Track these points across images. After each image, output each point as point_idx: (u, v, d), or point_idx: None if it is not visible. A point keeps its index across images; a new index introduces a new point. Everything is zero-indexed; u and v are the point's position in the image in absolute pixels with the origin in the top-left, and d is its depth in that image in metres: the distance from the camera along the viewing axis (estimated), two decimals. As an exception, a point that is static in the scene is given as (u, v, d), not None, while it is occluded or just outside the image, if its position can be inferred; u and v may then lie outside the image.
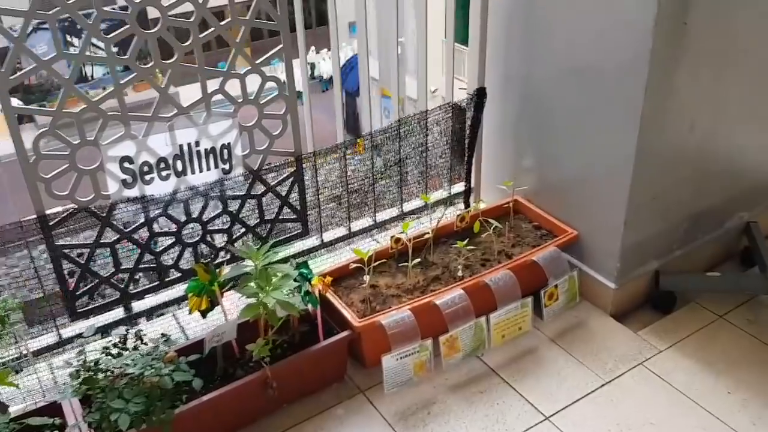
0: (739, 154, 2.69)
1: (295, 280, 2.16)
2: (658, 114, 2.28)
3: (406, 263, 2.53)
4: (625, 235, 2.47)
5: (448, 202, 2.92)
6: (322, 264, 2.67)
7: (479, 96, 2.74)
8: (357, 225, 2.76)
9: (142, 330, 2.09)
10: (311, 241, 2.67)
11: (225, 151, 2.26)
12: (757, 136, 2.71)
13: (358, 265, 2.39)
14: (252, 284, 2.09)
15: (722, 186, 2.73)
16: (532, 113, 2.69)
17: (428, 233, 2.59)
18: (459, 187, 2.94)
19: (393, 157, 2.67)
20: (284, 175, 2.44)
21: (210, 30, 2.10)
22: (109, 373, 1.88)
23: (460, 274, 2.49)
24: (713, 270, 2.84)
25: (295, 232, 2.57)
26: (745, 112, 2.58)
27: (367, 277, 2.37)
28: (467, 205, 2.93)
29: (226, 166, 2.28)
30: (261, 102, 2.27)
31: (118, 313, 2.36)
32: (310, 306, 2.19)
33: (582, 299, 2.66)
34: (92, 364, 1.88)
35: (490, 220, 2.58)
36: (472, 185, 2.91)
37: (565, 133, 2.58)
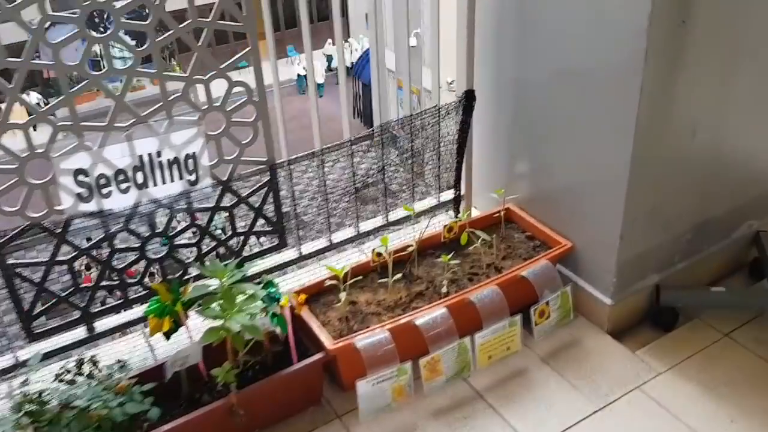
0: (749, 159, 2.52)
1: (262, 301, 2.01)
2: (656, 120, 2.11)
3: (388, 278, 2.38)
4: (621, 248, 2.31)
5: (435, 210, 2.75)
6: (303, 277, 2.53)
7: (468, 99, 2.57)
8: (339, 236, 2.60)
9: (96, 355, 1.95)
10: (290, 254, 2.52)
11: (190, 161, 2.12)
12: None
13: (334, 282, 2.24)
14: (214, 306, 1.95)
15: (730, 193, 2.55)
16: (525, 117, 2.53)
17: (412, 245, 2.43)
18: (449, 194, 2.77)
19: (376, 164, 2.52)
20: (257, 185, 2.29)
21: (169, 33, 1.95)
22: (55, 405, 1.75)
23: (444, 290, 2.34)
24: (719, 283, 2.68)
25: (272, 245, 2.42)
26: (756, 113, 2.40)
27: (343, 295, 2.22)
28: (457, 214, 2.77)
29: (192, 177, 2.14)
30: (228, 109, 2.12)
31: (81, 332, 2.23)
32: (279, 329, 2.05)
33: (578, 315, 2.51)
34: (36, 395, 1.75)
35: (477, 232, 2.43)
36: (463, 193, 2.74)
37: (559, 139, 2.42)
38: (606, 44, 2.10)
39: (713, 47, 2.11)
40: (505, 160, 2.70)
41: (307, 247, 2.55)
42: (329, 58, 19.34)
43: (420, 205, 2.72)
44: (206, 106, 2.10)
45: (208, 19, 2.00)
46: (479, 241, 2.42)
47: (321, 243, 2.57)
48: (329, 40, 19.31)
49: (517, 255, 2.53)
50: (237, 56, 2.09)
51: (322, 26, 17.45)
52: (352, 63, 16.68)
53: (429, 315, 2.18)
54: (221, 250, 2.34)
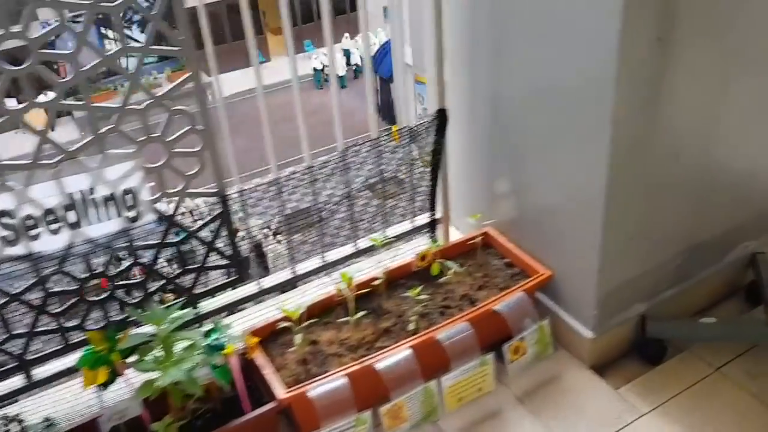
0: (742, 178, 2.33)
1: (203, 350, 1.85)
2: (633, 142, 1.94)
3: (356, 312, 2.21)
4: (600, 278, 2.13)
5: (410, 236, 2.59)
6: (271, 310, 2.37)
7: (440, 118, 2.40)
8: (305, 266, 2.44)
9: (22, 413, 1.80)
10: (251, 288, 2.36)
11: (129, 196, 1.96)
12: (765, 156, 2.34)
13: (288, 324, 2.08)
14: (150, 357, 1.79)
15: (722, 215, 2.37)
16: (502, 137, 2.36)
17: (379, 278, 2.27)
18: (425, 218, 2.60)
19: (341, 189, 2.35)
20: (209, 218, 2.14)
21: (95, 62, 1.79)
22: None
23: (412, 327, 2.17)
24: (713, 309, 2.50)
25: (229, 280, 2.27)
26: (748, 130, 2.21)
27: (298, 338, 2.06)
28: (434, 239, 2.59)
29: (132, 214, 1.98)
30: (168, 139, 1.96)
31: (19, 381, 2.08)
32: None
33: (559, 347, 2.34)
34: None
35: (447, 263, 2.26)
36: (438, 217, 2.57)
37: (535, 161, 2.25)
38: (577, 63, 1.92)
39: (696, 64, 1.93)
40: (484, 182, 2.53)
41: (270, 280, 2.39)
42: (346, 53, 19.20)
43: (394, 231, 2.55)
44: (143, 138, 1.93)
45: (140, 44, 1.83)
46: (450, 272, 2.25)
47: (285, 275, 2.41)
48: (346, 35, 19.14)
49: (494, 284, 2.36)
50: (174, 84, 1.93)
51: (339, 20, 17.32)
52: (372, 57, 16.58)
53: (391, 358, 2.01)
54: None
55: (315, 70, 18.47)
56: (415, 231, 2.58)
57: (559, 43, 1.96)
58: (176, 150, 1.99)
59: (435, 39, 2.28)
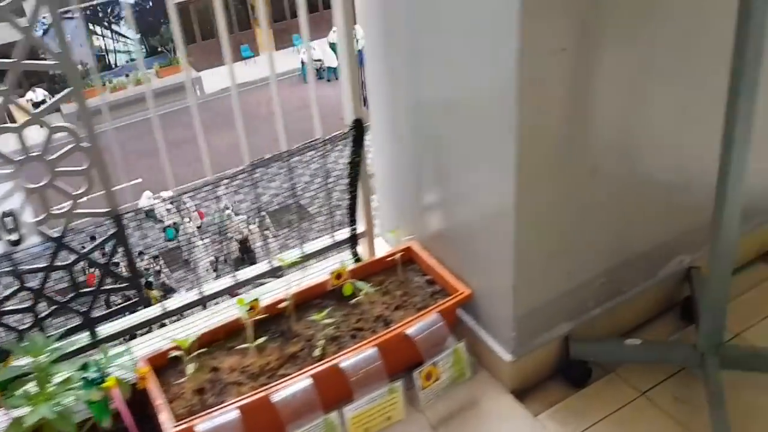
0: (674, 189, 2.22)
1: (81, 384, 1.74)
2: (541, 159, 1.83)
3: (262, 336, 2.11)
4: (516, 299, 2.02)
5: (330, 251, 2.47)
6: (189, 328, 2.26)
7: (357, 129, 2.28)
8: (215, 286, 2.33)
9: None
10: (154, 310, 2.25)
11: (9, 218, 1.84)
12: (701, 161, 2.20)
13: (179, 353, 1.96)
14: (19, 393, 1.68)
15: (653, 228, 2.26)
16: (422, 148, 2.25)
17: (287, 300, 2.16)
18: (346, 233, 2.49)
19: (252, 204, 2.24)
20: (102, 239, 2.02)
21: (-41, 78, 1.68)
22: None
23: (317, 353, 2.06)
24: (646, 326, 2.40)
25: (129, 302, 2.15)
26: (673, 140, 2.10)
27: (190, 367, 1.95)
28: (356, 255, 2.48)
29: (14, 237, 1.87)
30: (49, 158, 1.85)
31: None
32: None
33: (483, 369, 2.23)
34: None
35: (359, 283, 2.15)
36: (359, 231, 2.46)
37: (453, 174, 2.14)
38: (481, 75, 1.82)
39: (607, 75, 1.81)
40: (408, 195, 2.43)
41: (175, 302, 2.28)
42: (333, 46, 19.12)
43: (312, 246, 2.44)
44: (22, 157, 1.82)
45: (11, 60, 1.72)
46: (362, 293, 2.14)
47: (191, 296, 2.29)
48: (335, 28, 19.03)
49: (413, 304, 2.25)
50: (52, 100, 1.82)
51: (328, 13, 17.24)
52: (358, 51, 16.48)
53: (289, 389, 1.90)
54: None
55: (302, 63, 18.42)
56: (336, 246, 2.46)
57: (463, 57, 1.86)
58: (60, 169, 1.87)
59: (347, 46, 2.16)
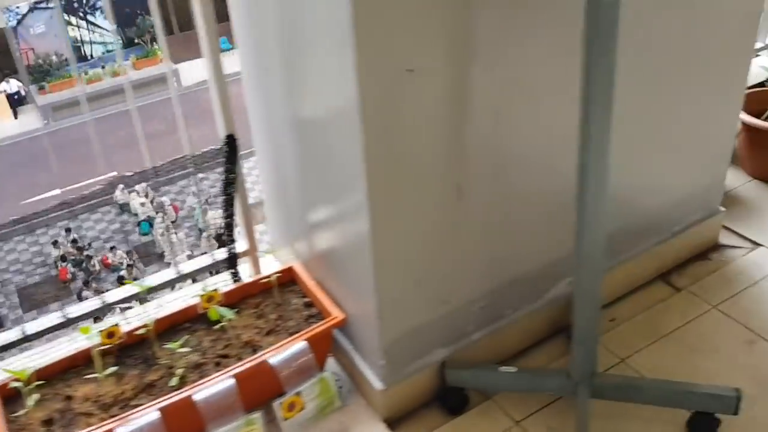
0: (554, 206, 2.13)
1: None
2: (397, 182, 1.74)
3: (123, 363, 2.01)
4: (383, 325, 1.95)
5: (209, 270, 2.38)
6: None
7: (229, 145, 2.19)
8: (79, 309, 2.22)
9: None
10: (14, 333, 2.14)
11: None
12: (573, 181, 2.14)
13: (17, 384, 1.86)
14: None
15: (537, 249, 2.19)
16: (297, 169, 2.15)
17: (147, 325, 2.06)
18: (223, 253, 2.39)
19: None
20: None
21: None
22: None
23: (173, 382, 1.96)
24: (533, 350, 2.32)
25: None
26: (542, 160, 2.03)
27: (31, 400, 1.84)
28: (235, 276, 2.39)
29: None
30: None
31: None
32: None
33: (360, 396, 2.14)
34: None
35: (222, 309, 2.05)
36: (239, 251, 2.37)
37: (321, 196, 2.05)
38: (328, 95, 1.73)
39: (471, 93, 1.74)
40: (291, 214, 2.34)
41: (37, 325, 2.17)
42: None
43: (190, 266, 2.34)
44: None
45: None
46: (224, 320, 2.05)
47: (54, 319, 2.19)
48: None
49: (286, 329, 2.16)
50: None
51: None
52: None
53: (135, 422, 1.80)
54: None
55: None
56: (215, 266, 2.37)
57: (320, 74, 1.77)
58: None
59: (211, 57, 2.07)
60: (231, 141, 2.19)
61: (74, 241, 15.26)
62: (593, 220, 1.71)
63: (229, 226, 2.31)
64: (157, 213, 14.63)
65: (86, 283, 14.63)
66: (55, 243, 15.15)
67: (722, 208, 2.64)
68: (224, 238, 2.32)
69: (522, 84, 1.83)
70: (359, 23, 1.50)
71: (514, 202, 2.01)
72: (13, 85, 19.79)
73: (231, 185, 2.24)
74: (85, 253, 15.22)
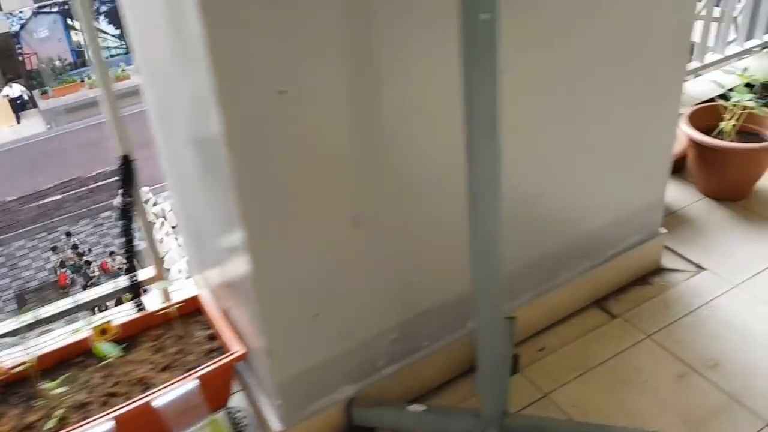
0: (458, 239, 1.99)
1: None
2: (278, 213, 1.60)
3: (4, 401, 1.87)
4: (275, 367, 1.81)
5: (110, 299, 2.24)
6: None
7: (125, 166, 2.05)
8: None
9: None
10: None
11: None
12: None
13: None
14: None
15: (453, 277, 2.04)
16: (198, 191, 2.01)
17: (28, 362, 1.92)
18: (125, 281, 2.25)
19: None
20: None
21: None
22: None
23: (50, 424, 1.82)
24: (458, 382, 2.18)
25: None
26: (457, 179, 1.87)
27: None
28: (138, 306, 2.25)
29: None
30: None
31: None
32: None
33: (264, 434, 2.00)
34: None
35: (106, 347, 1.91)
36: (142, 279, 2.23)
37: (218, 221, 1.91)
38: (198, 120, 1.59)
39: (360, 116, 1.60)
40: (200, 239, 2.20)
41: None
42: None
43: (85, 296, 2.20)
44: None
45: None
46: (109, 357, 1.91)
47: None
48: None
49: (184, 364, 2.02)
50: None
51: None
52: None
53: (-3, 472, 1.65)
54: None
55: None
56: (118, 294, 2.23)
57: (183, 97, 1.63)
58: None
59: (103, 80, 1.93)
60: (126, 162, 2.05)
61: (75, 246, 15.04)
62: (486, 251, 1.58)
63: (129, 253, 2.17)
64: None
65: (85, 288, 14.43)
66: (54, 248, 14.95)
67: (663, 230, 2.50)
68: (125, 265, 2.17)
69: (417, 105, 1.69)
70: (214, 42, 1.36)
71: (418, 230, 1.87)
72: (16, 89, 19.65)
73: (128, 209, 2.10)
74: (85, 258, 15.03)
